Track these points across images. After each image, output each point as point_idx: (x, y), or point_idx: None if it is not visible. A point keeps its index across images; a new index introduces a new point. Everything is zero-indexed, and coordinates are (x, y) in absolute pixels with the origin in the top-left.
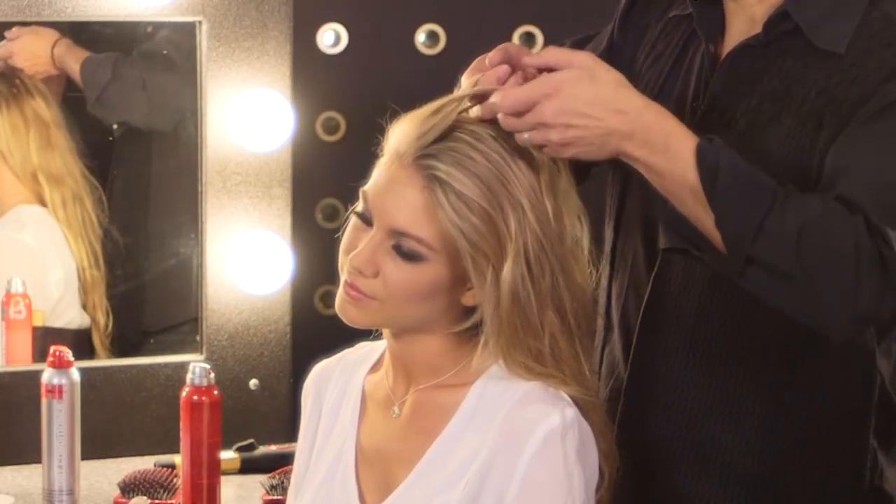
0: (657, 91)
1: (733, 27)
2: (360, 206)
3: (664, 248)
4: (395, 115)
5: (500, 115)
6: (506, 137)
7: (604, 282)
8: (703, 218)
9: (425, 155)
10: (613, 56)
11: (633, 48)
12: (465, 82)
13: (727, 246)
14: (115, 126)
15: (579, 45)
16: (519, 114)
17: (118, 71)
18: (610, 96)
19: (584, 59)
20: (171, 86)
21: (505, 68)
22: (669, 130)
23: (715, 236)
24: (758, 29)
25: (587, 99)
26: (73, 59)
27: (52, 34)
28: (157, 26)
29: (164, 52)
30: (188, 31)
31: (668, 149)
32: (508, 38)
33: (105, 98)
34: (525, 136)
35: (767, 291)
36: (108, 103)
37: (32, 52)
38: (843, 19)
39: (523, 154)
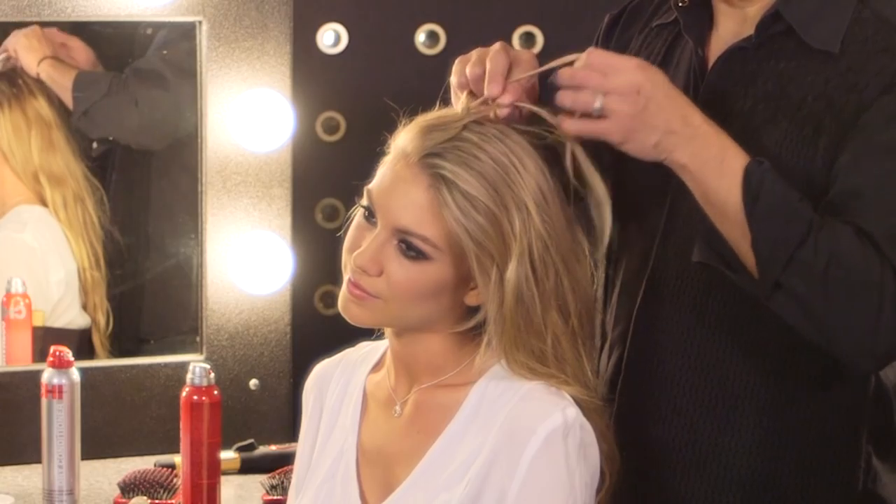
0: None
1: (723, 27)
2: (365, 201)
3: (696, 260)
4: (395, 115)
5: (573, 70)
6: (513, 137)
7: (599, 292)
8: (739, 238)
9: (431, 153)
10: None
11: None
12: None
13: (759, 269)
14: (94, 143)
15: None
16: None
17: (113, 89)
18: (682, 101)
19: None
20: (164, 105)
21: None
22: (728, 145)
23: (748, 258)
24: (749, 29)
25: (666, 92)
26: (61, 76)
27: (40, 52)
28: (157, 27)
29: (158, 69)
30: (187, 32)
31: (722, 162)
32: (508, 39)
33: (93, 113)
34: (596, 103)
35: (792, 317)
36: (95, 119)
37: (25, 62)
38: (833, 17)
39: (530, 154)
